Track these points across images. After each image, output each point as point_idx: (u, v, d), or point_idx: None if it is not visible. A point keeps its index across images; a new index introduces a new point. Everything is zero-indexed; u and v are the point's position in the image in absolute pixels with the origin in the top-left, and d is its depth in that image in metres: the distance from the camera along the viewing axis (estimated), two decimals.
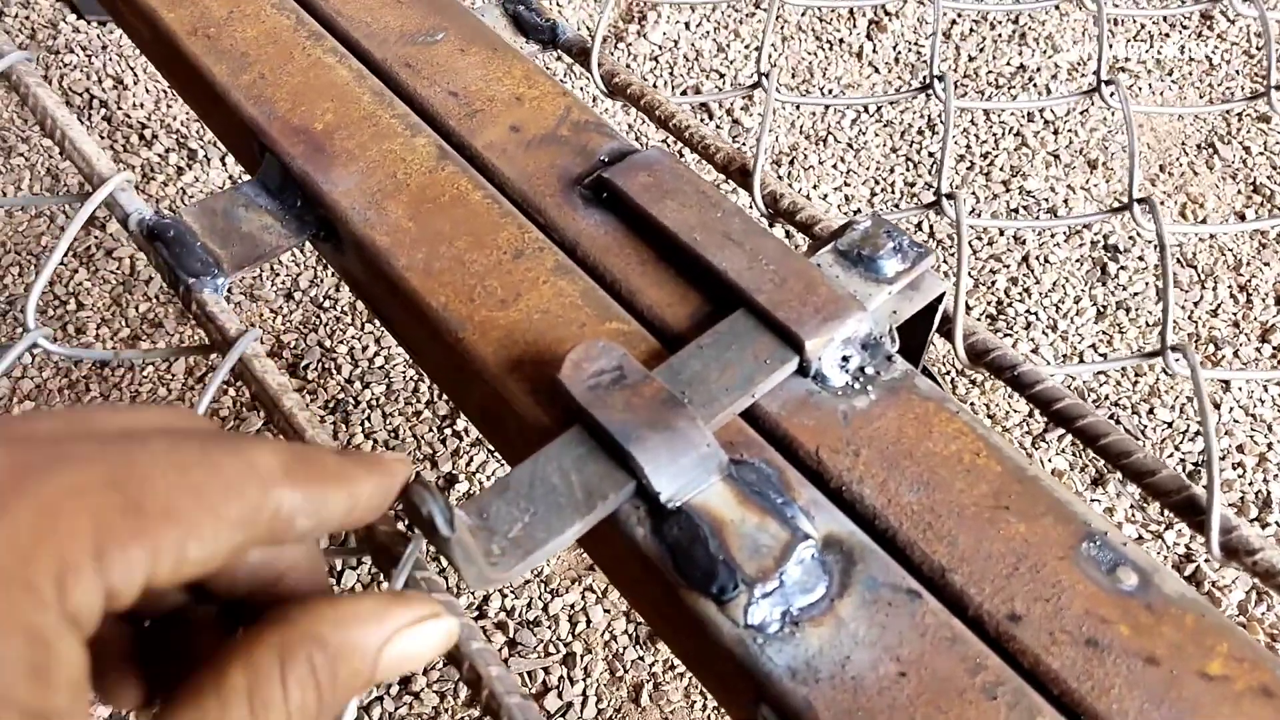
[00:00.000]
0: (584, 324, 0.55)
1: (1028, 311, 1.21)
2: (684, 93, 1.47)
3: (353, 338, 1.18)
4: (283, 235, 0.64)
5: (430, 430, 1.10)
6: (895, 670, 0.43)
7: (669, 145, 1.43)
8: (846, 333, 0.52)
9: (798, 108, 1.45)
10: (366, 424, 1.11)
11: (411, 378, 1.16)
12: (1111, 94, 0.78)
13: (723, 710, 0.48)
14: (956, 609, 0.45)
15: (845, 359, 0.53)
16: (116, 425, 0.31)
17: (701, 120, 1.39)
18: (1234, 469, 1.03)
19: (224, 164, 1.48)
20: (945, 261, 1.26)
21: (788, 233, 1.28)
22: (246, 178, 0.70)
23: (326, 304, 1.24)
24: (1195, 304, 1.20)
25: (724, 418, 0.50)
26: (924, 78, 1.43)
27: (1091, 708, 0.42)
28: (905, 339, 0.62)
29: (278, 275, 1.27)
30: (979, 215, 1.29)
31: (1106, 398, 1.09)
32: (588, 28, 1.53)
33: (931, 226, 1.31)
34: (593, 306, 0.56)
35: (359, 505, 0.36)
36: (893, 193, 1.38)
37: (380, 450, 1.13)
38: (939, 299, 0.58)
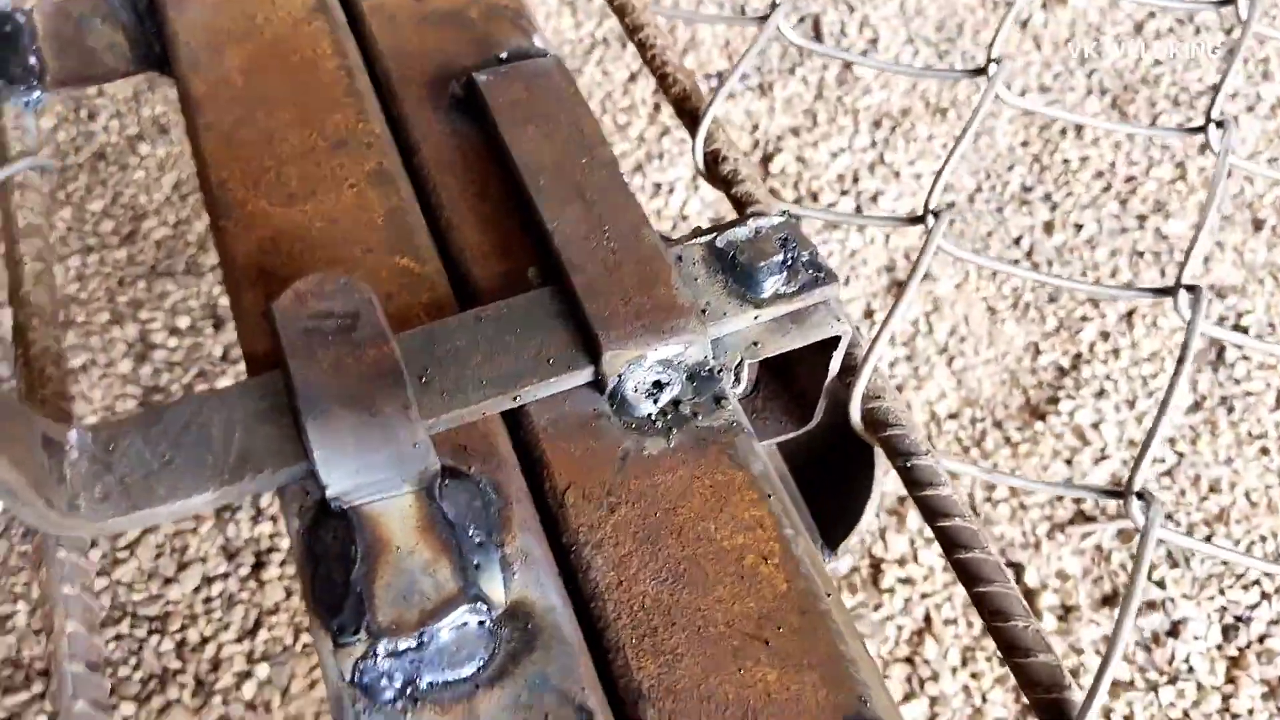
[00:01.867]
0: (370, 249, 0.46)
1: (1107, 377, 1.04)
2: (743, 10, 1.32)
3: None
4: (124, 59, 0.58)
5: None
6: None
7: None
8: (668, 354, 0.42)
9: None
10: (166, 316, 1.04)
11: None
12: (1222, 136, 0.62)
13: None
14: None
15: (658, 385, 0.43)
16: None
17: (806, 57, 1.24)
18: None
19: None
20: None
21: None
22: None
23: None
24: None
25: (467, 414, 0.41)
26: (974, 62, 1.21)
27: None
28: (794, 372, 0.51)
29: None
30: (1050, 239, 1.10)
31: (1168, 507, 0.93)
32: None
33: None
34: (393, 231, 0.47)
35: None
36: (1001, 195, 1.21)
37: None
38: (834, 341, 0.46)
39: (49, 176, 0.53)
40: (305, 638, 0.90)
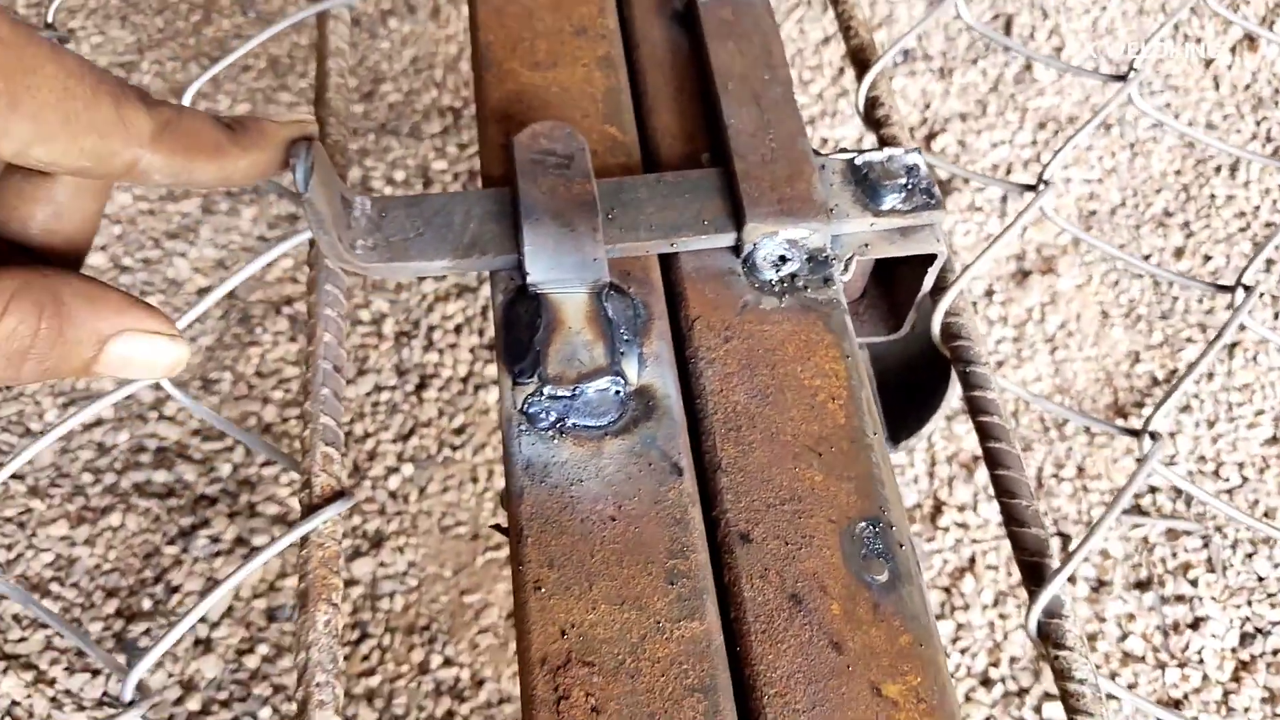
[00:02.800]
0: (588, 115, 0.57)
1: (1195, 395, 1.08)
2: (996, 17, 1.36)
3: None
4: None
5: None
6: (610, 513, 0.45)
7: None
8: (795, 235, 0.52)
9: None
10: (455, 158, 1.18)
11: None
12: None
13: None
14: (706, 503, 0.47)
15: (783, 259, 0.53)
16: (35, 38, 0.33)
17: (993, 50, 1.28)
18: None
19: None
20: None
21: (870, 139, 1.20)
22: None
23: None
24: None
25: (635, 248, 0.52)
26: (1211, 103, 1.22)
27: (749, 648, 0.43)
28: (895, 288, 0.61)
29: None
30: (1176, 262, 1.14)
31: (1213, 518, 0.98)
32: None
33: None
34: (608, 105, 0.58)
35: (231, 177, 0.40)
36: (1142, 214, 1.24)
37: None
38: (930, 258, 0.56)
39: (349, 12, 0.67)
40: (447, 450, 1.04)
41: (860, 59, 0.67)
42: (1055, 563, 0.51)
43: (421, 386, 1.07)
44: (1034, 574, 0.50)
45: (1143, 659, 0.93)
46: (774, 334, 0.51)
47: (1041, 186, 0.63)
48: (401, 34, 1.37)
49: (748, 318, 0.51)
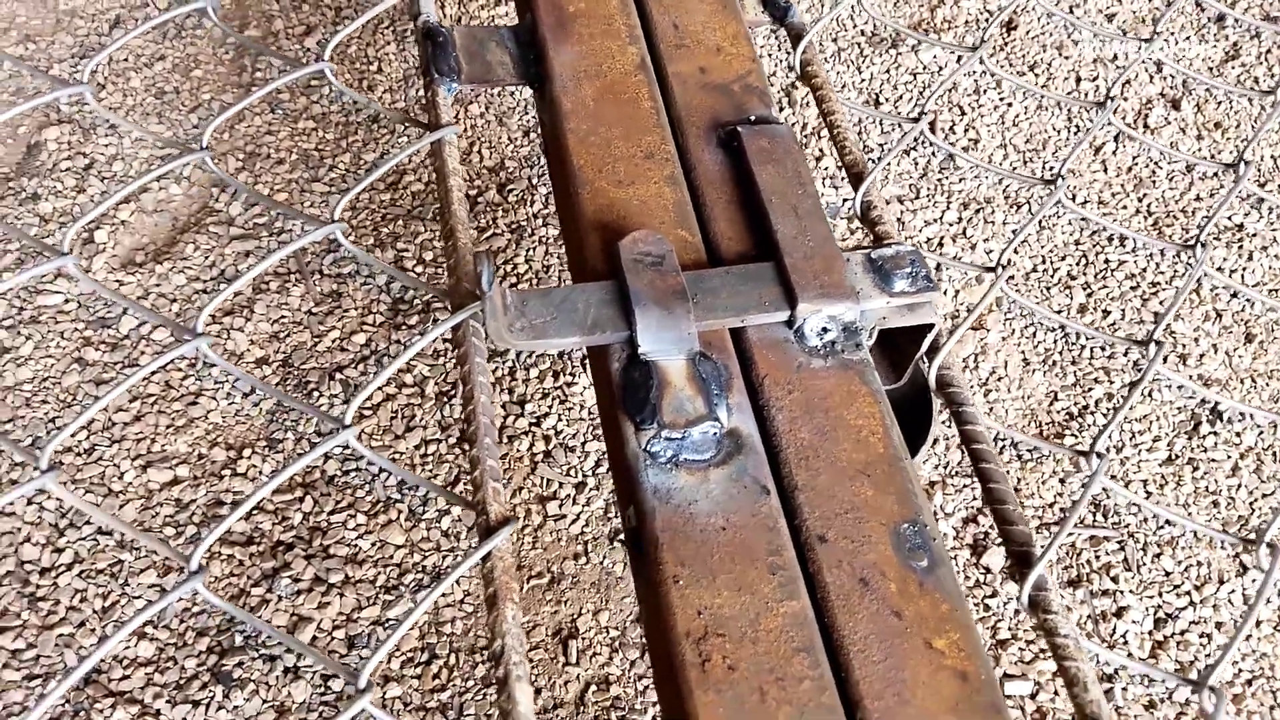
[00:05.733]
0: (664, 222, 0.71)
1: (1104, 426, 1.25)
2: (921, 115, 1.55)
3: None
4: (510, 73, 0.83)
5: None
6: (721, 524, 0.58)
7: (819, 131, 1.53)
8: (835, 312, 0.66)
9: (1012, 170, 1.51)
10: (530, 252, 1.31)
11: None
12: (1199, 256, 0.84)
13: None
14: (789, 515, 0.59)
15: (825, 330, 0.66)
16: None
17: (921, 144, 1.47)
18: (1200, 637, 1.07)
19: None
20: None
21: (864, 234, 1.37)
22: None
23: None
24: (1264, 495, 1.21)
25: (715, 324, 0.65)
26: (1050, 171, 1.44)
27: (834, 618, 0.56)
28: (901, 348, 0.75)
29: (527, 114, 1.48)
30: (1082, 318, 1.33)
31: (1125, 525, 1.14)
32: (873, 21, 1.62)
33: None
34: (678, 214, 0.71)
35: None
36: (1050, 278, 1.43)
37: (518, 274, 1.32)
38: (929, 327, 0.70)
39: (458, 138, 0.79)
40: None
41: (854, 172, 0.82)
42: (1038, 552, 0.64)
43: (462, 439, 1.18)
44: (1023, 560, 0.64)
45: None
46: (824, 386, 0.65)
47: (999, 270, 0.78)
48: (416, 130, 1.49)
49: (803, 375, 0.65)
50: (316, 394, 1.19)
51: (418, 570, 1.06)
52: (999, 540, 1.02)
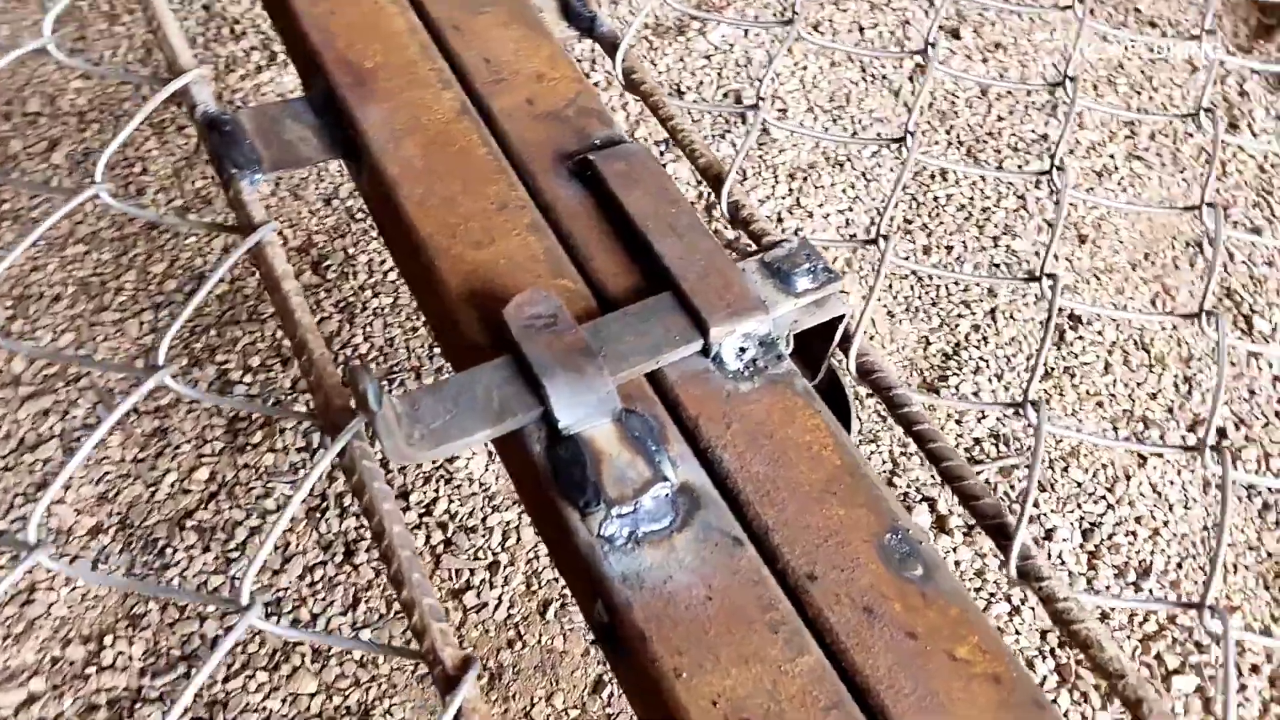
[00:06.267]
0: (540, 275, 0.64)
1: (980, 358, 1.28)
2: (725, 95, 1.55)
3: (374, 250, 1.28)
4: (316, 149, 0.74)
5: (422, 346, 1.20)
6: (704, 594, 0.52)
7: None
8: (748, 329, 0.61)
9: (826, 130, 1.53)
10: (368, 328, 1.21)
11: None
12: (1061, 180, 0.86)
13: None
14: (769, 561, 0.54)
15: (742, 349, 0.62)
16: None
17: (733, 123, 1.46)
18: (1126, 536, 1.11)
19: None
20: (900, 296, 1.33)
21: (739, 237, 1.37)
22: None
23: (359, 215, 1.34)
24: (1139, 385, 1.27)
25: (629, 374, 0.59)
26: (902, 125, 1.51)
27: (852, 660, 0.51)
28: (810, 346, 0.71)
29: (322, 181, 1.37)
30: (928, 258, 1.36)
31: (1028, 448, 1.17)
32: (652, 22, 1.60)
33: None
34: (551, 263, 0.65)
35: None
36: (889, 226, 1.46)
37: (373, 353, 1.22)
38: (840, 319, 0.66)
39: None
40: (396, 605, 1.04)
41: (712, 174, 0.77)
42: (1008, 517, 0.62)
43: (349, 554, 1.07)
44: (1000, 531, 0.61)
45: None
46: (759, 411, 0.60)
47: (881, 242, 0.76)
48: (218, 231, 1.35)
49: (735, 403, 0.60)
50: (170, 550, 1.04)
51: (340, 713, 0.95)
52: (965, 514, 1.01)
